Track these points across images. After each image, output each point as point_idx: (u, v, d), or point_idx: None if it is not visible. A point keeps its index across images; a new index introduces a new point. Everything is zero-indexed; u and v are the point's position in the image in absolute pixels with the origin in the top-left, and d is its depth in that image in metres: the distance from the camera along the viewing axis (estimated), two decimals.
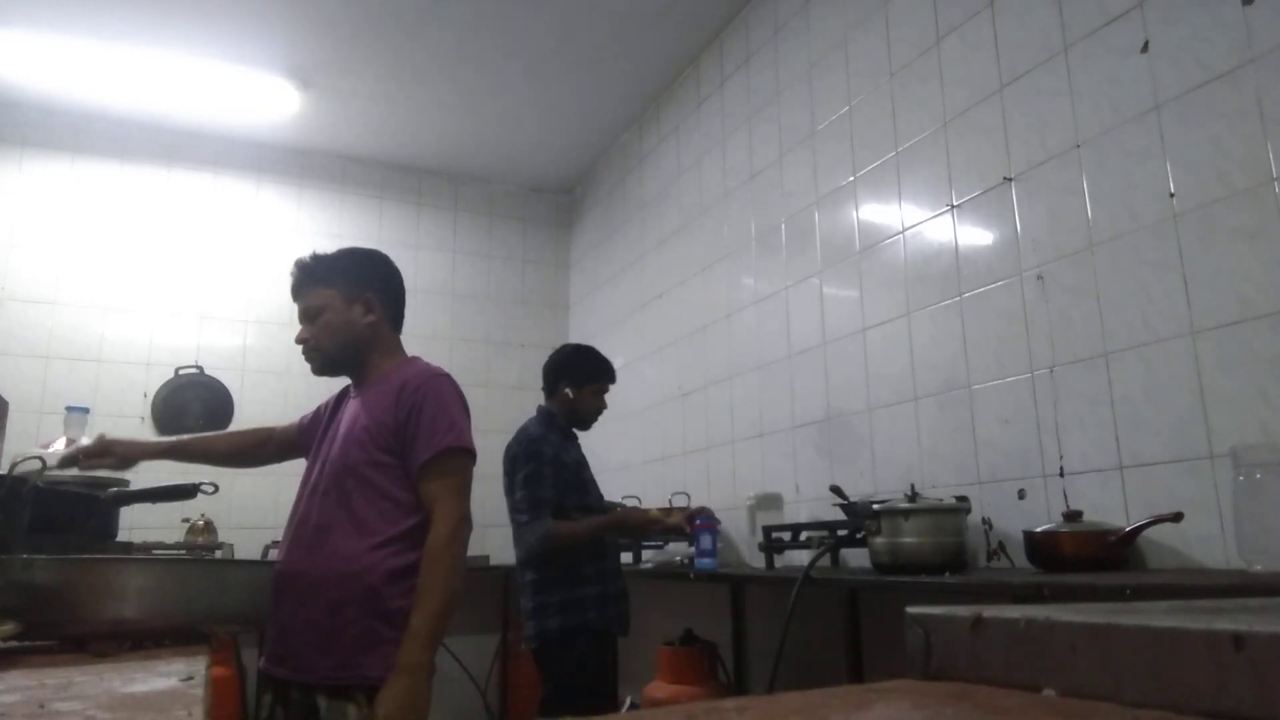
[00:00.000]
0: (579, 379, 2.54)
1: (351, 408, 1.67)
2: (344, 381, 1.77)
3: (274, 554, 3.71)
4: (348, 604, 1.48)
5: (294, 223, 4.29)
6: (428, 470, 1.54)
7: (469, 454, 1.58)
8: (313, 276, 1.67)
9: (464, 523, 1.54)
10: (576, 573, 2.34)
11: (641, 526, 2.64)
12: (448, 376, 1.65)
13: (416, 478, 1.55)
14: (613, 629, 2.38)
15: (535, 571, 2.35)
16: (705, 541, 2.63)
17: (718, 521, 2.67)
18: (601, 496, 2.57)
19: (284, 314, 4.16)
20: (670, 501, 3.15)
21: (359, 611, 1.48)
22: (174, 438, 1.82)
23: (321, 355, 1.66)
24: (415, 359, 1.73)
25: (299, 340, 1.67)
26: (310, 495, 1.61)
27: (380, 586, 1.50)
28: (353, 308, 1.66)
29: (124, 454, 1.67)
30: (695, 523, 2.61)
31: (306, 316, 1.66)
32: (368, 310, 1.68)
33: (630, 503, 3.20)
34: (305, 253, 1.70)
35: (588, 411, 2.56)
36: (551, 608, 2.30)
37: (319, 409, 1.84)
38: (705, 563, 2.62)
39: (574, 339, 4.29)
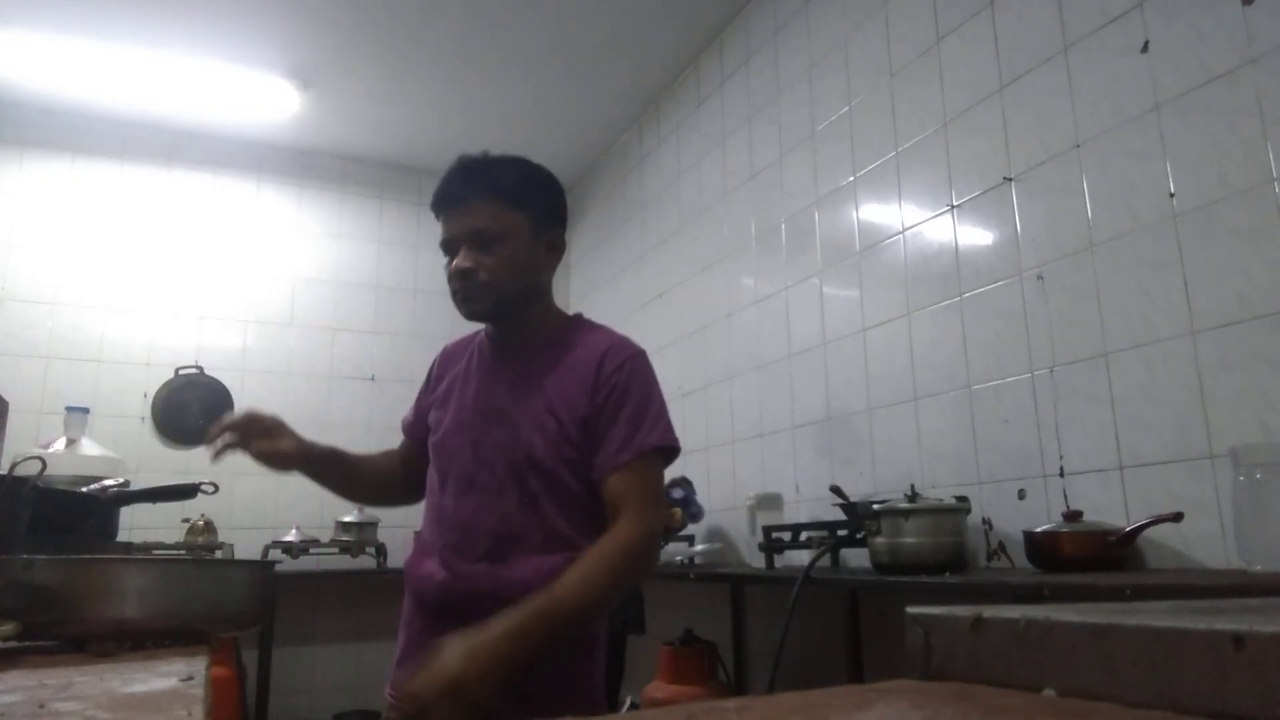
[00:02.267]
0: None
1: (510, 374, 1.33)
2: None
3: (286, 555, 3.65)
4: None
5: (294, 223, 4.29)
6: (619, 474, 1.23)
7: (672, 454, 1.29)
8: (495, 190, 1.29)
9: (656, 538, 1.25)
10: None
11: (666, 527, 2.67)
12: (645, 354, 1.34)
13: (603, 477, 1.24)
14: (632, 630, 2.37)
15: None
16: (692, 507, 2.71)
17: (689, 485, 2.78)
18: None
19: (284, 314, 4.16)
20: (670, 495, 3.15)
21: (563, 642, 1.17)
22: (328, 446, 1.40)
23: (496, 295, 1.28)
24: (588, 321, 1.40)
25: (461, 270, 1.26)
26: (467, 491, 1.28)
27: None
28: (538, 244, 1.32)
29: (286, 451, 1.29)
30: (680, 495, 2.70)
31: (476, 240, 1.27)
32: (551, 249, 1.35)
33: None
34: (475, 150, 1.35)
35: None
36: None
37: (430, 376, 1.47)
38: (697, 516, 2.71)
39: None
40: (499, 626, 1.06)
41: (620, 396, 1.25)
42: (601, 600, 1.18)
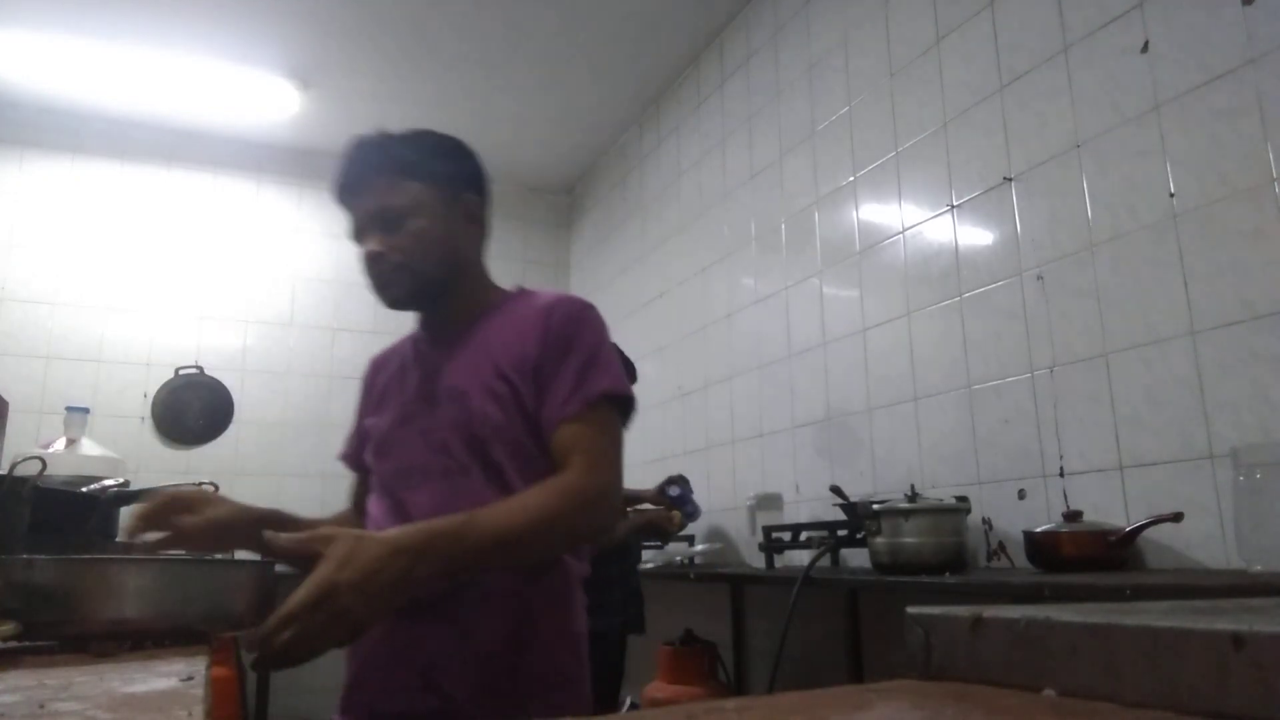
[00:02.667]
0: None
1: (451, 352, 1.21)
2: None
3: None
4: (536, 621, 1.09)
5: (294, 223, 4.29)
6: (567, 426, 1.10)
7: (628, 407, 1.16)
8: (393, 164, 1.18)
9: (610, 491, 1.09)
10: (604, 574, 2.32)
11: (666, 529, 2.66)
12: (596, 308, 1.22)
13: (553, 429, 1.11)
14: (633, 630, 2.37)
15: None
16: (688, 506, 2.71)
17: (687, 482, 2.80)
18: None
19: (284, 314, 4.16)
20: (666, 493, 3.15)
21: (552, 632, 1.10)
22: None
23: (413, 275, 1.16)
24: (533, 290, 1.28)
25: (371, 255, 1.16)
26: (424, 483, 1.14)
27: (572, 598, 1.14)
28: (452, 213, 1.20)
29: (219, 519, 1.09)
30: (676, 493, 2.70)
31: (382, 221, 1.16)
32: (470, 218, 1.23)
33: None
34: (370, 130, 1.24)
35: None
36: None
37: (362, 392, 1.34)
38: (691, 509, 2.71)
39: None
40: (394, 536, 0.92)
41: (567, 345, 1.13)
42: (526, 538, 1.00)
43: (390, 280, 1.17)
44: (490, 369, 1.14)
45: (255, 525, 1.07)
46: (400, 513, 1.14)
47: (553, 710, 1.04)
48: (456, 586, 1.05)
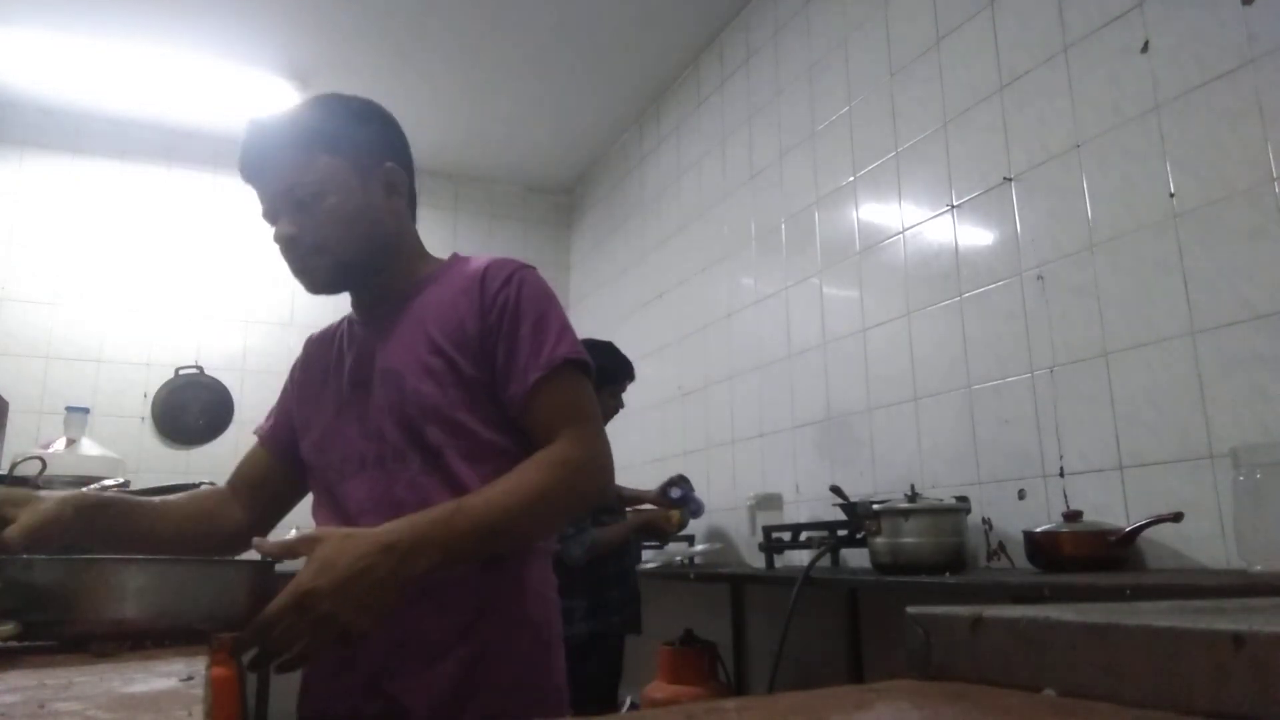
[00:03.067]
0: (598, 381, 2.52)
1: (382, 331, 1.13)
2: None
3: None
4: (488, 616, 1.01)
5: None
6: (538, 394, 1.03)
7: (590, 372, 1.09)
8: (301, 138, 1.08)
9: (602, 457, 1.05)
10: (601, 575, 2.31)
11: (664, 529, 2.66)
12: (536, 270, 1.14)
13: (522, 405, 1.04)
14: (631, 630, 2.37)
15: (562, 575, 2.33)
16: (692, 505, 2.73)
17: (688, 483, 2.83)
18: (617, 494, 2.57)
19: (284, 314, 4.16)
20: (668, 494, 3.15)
21: (509, 622, 1.02)
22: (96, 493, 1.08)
23: (333, 258, 1.08)
24: (465, 257, 1.19)
25: (283, 238, 1.07)
26: (358, 472, 1.07)
27: (523, 582, 1.05)
28: (369, 185, 1.11)
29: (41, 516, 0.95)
30: (679, 494, 2.72)
31: (294, 201, 1.07)
32: (389, 189, 1.14)
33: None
34: (261, 111, 1.13)
35: (605, 413, 2.48)
36: (578, 612, 2.23)
37: (293, 374, 1.28)
38: (695, 508, 2.75)
39: None
40: (381, 532, 0.87)
41: (514, 314, 1.06)
42: (525, 517, 0.95)
43: (309, 265, 1.08)
44: (424, 345, 1.07)
45: (80, 517, 0.98)
46: (335, 507, 1.08)
47: (522, 711, 0.98)
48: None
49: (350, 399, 1.12)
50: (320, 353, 1.23)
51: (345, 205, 1.08)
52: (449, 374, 1.05)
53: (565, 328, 1.09)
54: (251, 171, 1.11)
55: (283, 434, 1.22)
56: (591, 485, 1.03)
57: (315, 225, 1.07)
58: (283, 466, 1.21)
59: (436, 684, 0.98)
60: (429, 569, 0.88)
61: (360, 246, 1.10)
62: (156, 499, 1.12)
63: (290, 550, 0.87)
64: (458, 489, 1.01)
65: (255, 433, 1.27)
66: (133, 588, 0.87)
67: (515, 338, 1.05)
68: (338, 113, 1.13)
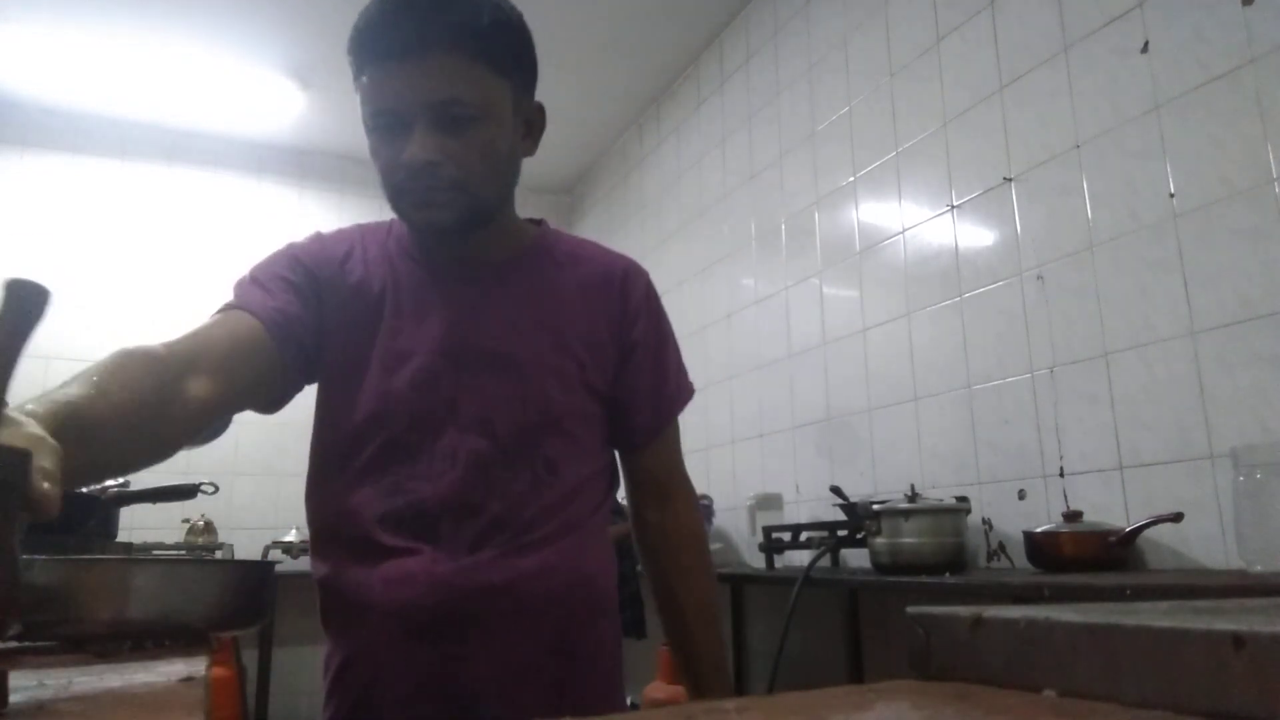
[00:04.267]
0: None
1: (489, 300, 0.96)
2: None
3: (282, 556, 3.66)
4: (591, 624, 0.95)
5: (295, 222, 4.29)
6: (668, 430, 1.00)
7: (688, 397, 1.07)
8: (475, 43, 0.85)
9: (699, 522, 1.11)
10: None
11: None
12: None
13: (646, 440, 0.99)
14: (631, 633, 2.37)
15: None
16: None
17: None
18: None
19: None
20: None
21: (601, 639, 0.96)
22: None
23: (471, 200, 0.89)
24: (556, 229, 1.07)
25: (420, 161, 0.85)
26: (447, 467, 0.90)
27: (611, 597, 1.00)
28: (518, 124, 0.95)
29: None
30: None
31: (443, 117, 0.85)
32: (529, 132, 0.98)
33: None
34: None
35: None
36: None
37: (294, 271, 0.95)
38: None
39: None
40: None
41: (657, 338, 0.98)
42: (716, 603, 1.08)
43: (442, 200, 0.87)
44: (550, 338, 0.93)
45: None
46: (402, 497, 0.90)
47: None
48: (490, 601, 0.89)
49: (436, 372, 0.91)
50: (360, 273, 0.96)
51: (500, 141, 0.90)
52: (581, 382, 0.94)
53: (679, 360, 1.08)
54: (384, 55, 0.84)
55: (295, 329, 0.91)
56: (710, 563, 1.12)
57: (463, 156, 0.86)
58: (281, 362, 0.90)
59: (533, 711, 0.88)
60: None
61: (497, 193, 0.93)
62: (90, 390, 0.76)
63: None
64: (566, 505, 0.92)
65: (240, 304, 0.93)
66: (133, 588, 0.87)
67: (663, 364, 1.01)
68: (512, 25, 0.91)
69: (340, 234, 1.02)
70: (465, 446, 0.90)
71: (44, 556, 0.91)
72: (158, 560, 0.95)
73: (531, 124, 0.98)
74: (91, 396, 0.74)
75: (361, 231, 1.01)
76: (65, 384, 0.76)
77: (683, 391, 1.04)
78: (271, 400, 0.95)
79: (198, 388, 0.80)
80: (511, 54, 0.91)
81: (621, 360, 0.97)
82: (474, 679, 0.88)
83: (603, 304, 0.97)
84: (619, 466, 1.07)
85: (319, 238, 1.01)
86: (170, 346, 0.82)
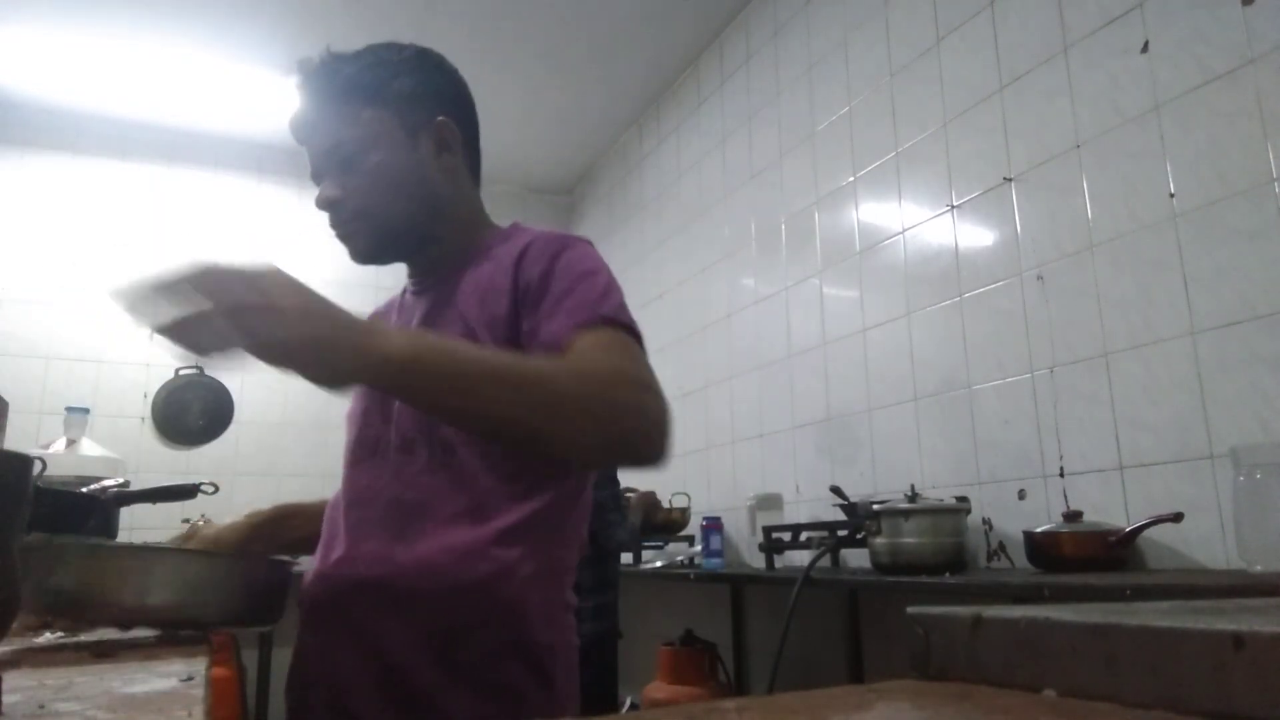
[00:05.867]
0: None
1: (423, 307, 1.03)
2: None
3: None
4: (474, 632, 0.87)
5: (294, 222, 4.29)
6: (580, 341, 0.85)
7: (638, 337, 0.90)
8: (343, 89, 0.98)
9: (662, 402, 0.83)
10: (606, 575, 2.31)
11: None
12: (591, 244, 1.00)
13: (554, 344, 0.87)
14: (621, 632, 2.36)
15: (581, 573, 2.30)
16: (714, 542, 2.67)
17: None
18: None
19: None
20: (670, 502, 3.15)
21: (494, 646, 0.87)
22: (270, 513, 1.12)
23: (376, 223, 0.97)
24: (527, 227, 1.05)
25: (325, 202, 0.97)
26: (367, 458, 0.97)
27: (523, 604, 0.88)
28: (419, 141, 1.00)
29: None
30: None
31: (337, 160, 0.97)
32: (441, 146, 1.02)
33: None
34: (312, 53, 1.02)
35: None
36: (587, 612, 2.21)
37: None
38: (713, 563, 2.66)
39: None
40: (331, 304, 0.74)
41: (549, 275, 0.91)
42: (514, 392, 0.76)
43: (351, 230, 0.98)
44: (456, 326, 0.95)
45: (267, 526, 1.09)
46: (344, 492, 0.99)
47: None
48: (382, 596, 0.88)
49: None
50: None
51: (390, 164, 0.97)
52: None
53: (614, 290, 0.92)
54: (298, 129, 1.01)
55: None
56: (634, 411, 0.80)
57: (359, 187, 0.96)
58: None
59: (400, 707, 0.86)
60: (357, 366, 0.72)
61: (407, 211, 0.98)
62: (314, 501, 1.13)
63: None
64: (465, 491, 0.90)
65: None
66: (151, 579, 0.87)
67: (544, 296, 0.90)
68: (384, 61, 1.00)
69: (389, 302, 1.17)
70: (383, 438, 0.97)
71: (70, 539, 0.92)
72: (177, 551, 0.96)
73: (444, 140, 1.02)
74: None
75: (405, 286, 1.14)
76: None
77: (592, 312, 0.87)
78: None
79: None
80: (384, 86, 0.98)
81: (515, 326, 0.92)
82: (348, 673, 0.89)
83: (503, 280, 0.94)
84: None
85: (372, 315, 1.16)
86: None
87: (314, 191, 1.00)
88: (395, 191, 0.98)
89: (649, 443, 0.82)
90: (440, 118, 1.02)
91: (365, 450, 0.98)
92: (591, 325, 0.86)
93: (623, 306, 0.91)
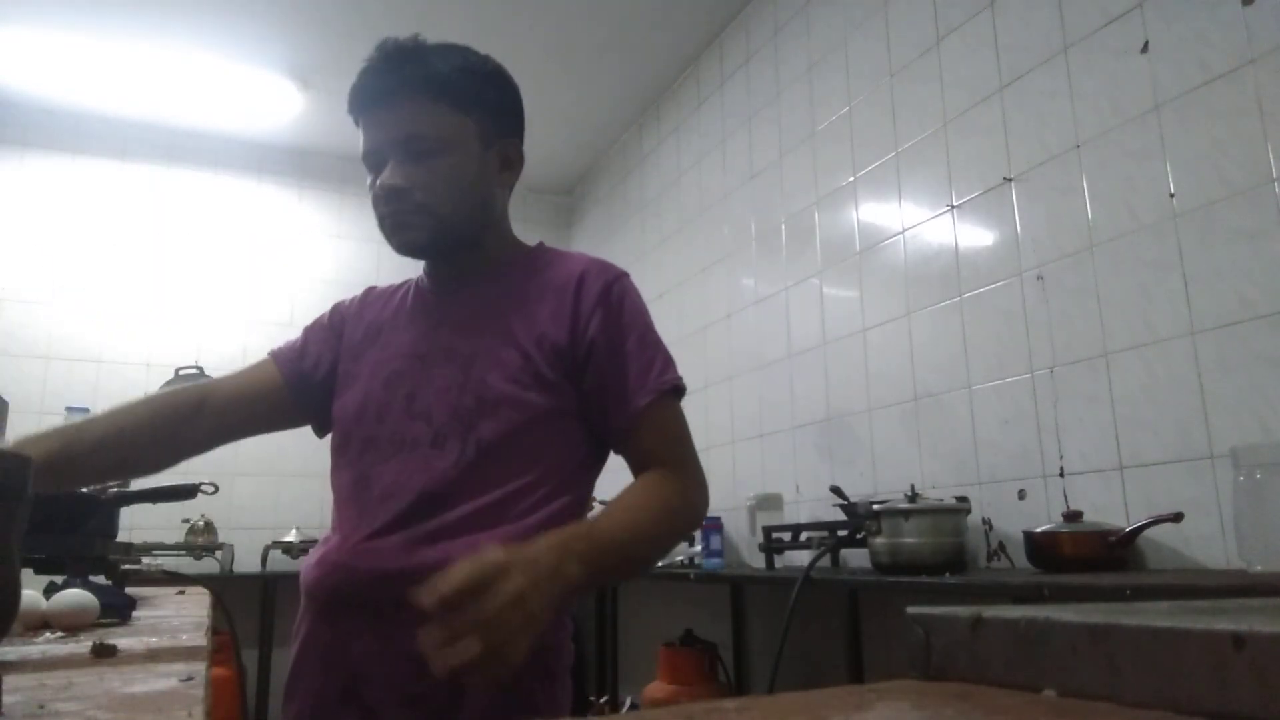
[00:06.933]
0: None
1: (459, 309, 1.06)
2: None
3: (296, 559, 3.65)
4: None
5: (294, 222, 4.29)
6: (644, 421, 0.99)
7: (682, 391, 1.05)
8: (432, 85, 1.00)
9: (706, 492, 1.06)
10: None
11: None
12: (630, 277, 1.07)
13: (625, 432, 0.99)
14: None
15: None
16: (714, 542, 2.67)
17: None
18: None
19: (284, 314, 4.16)
20: None
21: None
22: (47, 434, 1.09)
23: (437, 221, 1.00)
24: (556, 249, 1.13)
25: (388, 189, 0.98)
26: (396, 453, 0.98)
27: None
28: (489, 157, 1.05)
29: None
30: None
31: (409, 149, 0.99)
32: (505, 164, 1.08)
33: None
34: (404, 34, 1.07)
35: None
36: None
37: (337, 316, 1.18)
38: (713, 563, 2.66)
39: None
40: (536, 543, 0.79)
41: (617, 329, 0.99)
42: (648, 544, 0.93)
43: (409, 222, 0.99)
44: (500, 335, 0.99)
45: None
46: (361, 484, 0.99)
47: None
48: (383, 587, 0.90)
49: (403, 369, 1.03)
50: (377, 309, 1.14)
51: (463, 170, 1.01)
52: (523, 370, 0.98)
53: (663, 347, 1.04)
54: (367, 102, 1.01)
55: (308, 366, 1.12)
56: (695, 526, 1.05)
57: (428, 184, 0.99)
58: (288, 397, 1.12)
59: (415, 699, 0.89)
60: (579, 584, 0.81)
61: (466, 216, 1.03)
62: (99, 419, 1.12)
63: (468, 587, 0.72)
64: (491, 490, 0.94)
65: (270, 353, 1.17)
66: None
67: (621, 358, 0.99)
68: (474, 69, 1.05)
69: (387, 286, 1.20)
70: (410, 433, 0.99)
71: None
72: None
73: (509, 161, 1.08)
74: (116, 412, 1.13)
75: (409, 280, 1.18)
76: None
77: (656, 382, 1.00)
78: (277, 425, 1.17)
79: (204, 419, 1.17)
80: (473, 94, 1.03)
81: (585, 358, 1.00)
82: (362, 661, 0.91)
83: (557, 302, 1.01)
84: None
85: (368, 289, 1.22)
86: (200, 385, 1.15)
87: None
88: (460, 196, 1.01)
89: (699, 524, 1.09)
90: (513, 138, 1.09)
91: (392, 446, 0.99)
92: (657, 403, 1.00)
93: (671, 363, 1.03)
